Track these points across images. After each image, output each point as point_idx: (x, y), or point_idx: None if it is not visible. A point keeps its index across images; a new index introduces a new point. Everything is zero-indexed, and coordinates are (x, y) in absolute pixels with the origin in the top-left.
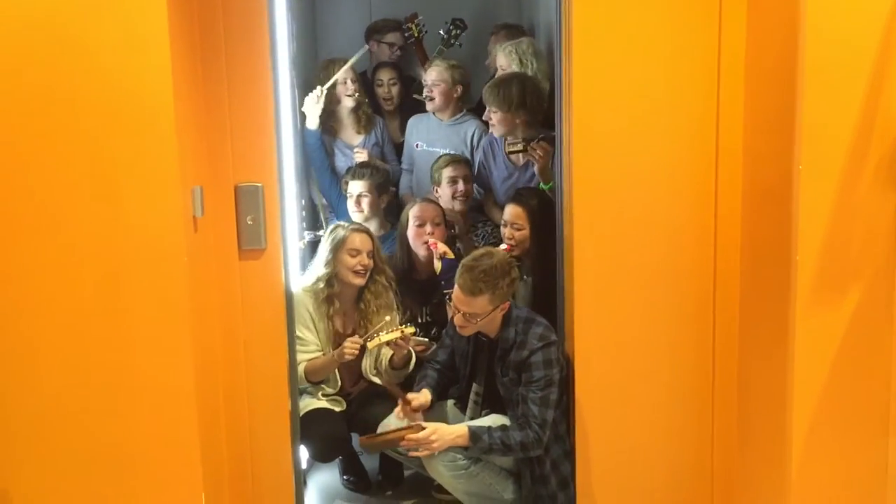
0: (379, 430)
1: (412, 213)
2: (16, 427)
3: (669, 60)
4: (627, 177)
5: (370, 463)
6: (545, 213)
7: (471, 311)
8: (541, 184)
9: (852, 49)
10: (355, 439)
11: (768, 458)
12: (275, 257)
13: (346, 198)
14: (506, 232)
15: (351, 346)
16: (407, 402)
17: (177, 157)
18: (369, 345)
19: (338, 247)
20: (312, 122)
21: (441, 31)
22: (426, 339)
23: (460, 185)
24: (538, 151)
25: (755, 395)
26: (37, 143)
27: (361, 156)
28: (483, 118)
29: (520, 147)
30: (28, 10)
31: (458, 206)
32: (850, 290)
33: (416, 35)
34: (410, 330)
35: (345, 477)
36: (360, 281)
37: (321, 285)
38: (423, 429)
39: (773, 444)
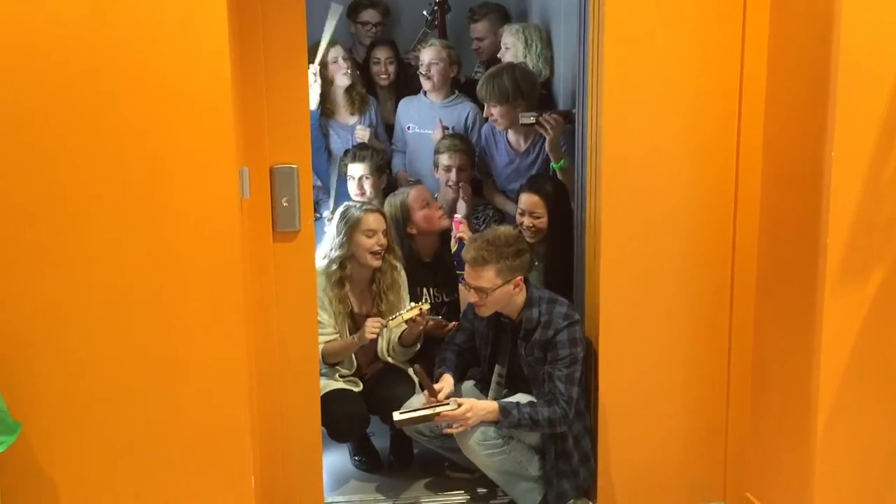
0: (404, 409)
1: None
2: (68, 412)
3: (695, 50)
4: (654, 163)
5: (380, 443)
6: (558, 198)
7: (478, 284)
8: (552, 164)
9: (884, 42)
10: (376, 420)
11: (788, 433)
12: (308, 239)
13: (344, 180)
14: (525, 221)
15: (372, 326)
16: (434, 393)
17: (234, 137)
18: (392, 324)
19: (353, 228)
20: (312, 103)
21: (425, 13)
22: (438, 317)
23: (453, 175)
24: (550, 122)
25: (773, 372)
26: (99, 127)
27: (364, 133)
28: (483, 115)
29: (532, 119)
30: None
31: (450, 194)
32: (874, 271)
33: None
34: (427, 306)
35: (356, 458)
36: (377, 262)
37: (335, 267)
38: (460, 405)
39: (795, 418)
